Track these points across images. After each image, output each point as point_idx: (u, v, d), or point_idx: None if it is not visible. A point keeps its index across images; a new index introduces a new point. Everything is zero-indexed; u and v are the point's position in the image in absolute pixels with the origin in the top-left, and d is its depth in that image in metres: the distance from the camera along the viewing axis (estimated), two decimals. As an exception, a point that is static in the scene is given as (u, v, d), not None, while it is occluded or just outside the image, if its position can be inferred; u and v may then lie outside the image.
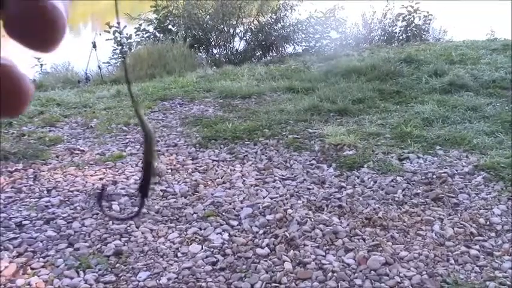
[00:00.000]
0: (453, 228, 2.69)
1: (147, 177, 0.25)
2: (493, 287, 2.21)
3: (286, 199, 3.07)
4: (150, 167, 0.28)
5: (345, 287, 2.24)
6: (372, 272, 2.34)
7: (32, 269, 2.38)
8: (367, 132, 4.17)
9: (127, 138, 4.21)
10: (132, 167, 3.59)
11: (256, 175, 3.44)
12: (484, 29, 9.84)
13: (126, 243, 2.59)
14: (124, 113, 4.94)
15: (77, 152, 3.90)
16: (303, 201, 3.04)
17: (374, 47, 9.18)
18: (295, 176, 3.41)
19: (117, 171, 3.51)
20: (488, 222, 2.76)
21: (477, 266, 2.38)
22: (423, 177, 3.33)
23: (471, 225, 2.72)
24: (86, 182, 3.31)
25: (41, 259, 2.46)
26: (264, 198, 3.10)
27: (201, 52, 10.09)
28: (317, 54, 8.88)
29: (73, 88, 6.81)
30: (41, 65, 8.68)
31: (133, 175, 3.43)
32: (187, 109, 5.14)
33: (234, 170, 3.54)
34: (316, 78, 6.20)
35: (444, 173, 3.36)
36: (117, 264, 2.42)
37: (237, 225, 2.80)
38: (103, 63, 8.55)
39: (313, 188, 3.23)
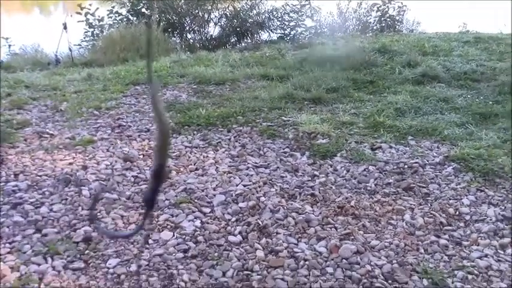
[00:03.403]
0: (423, 218, 2.72)
1: (155, 185, 0.20)
2: (461, 276, 2.25)
3: (259, 187, 3.06)
4: (161, 171, 0.23)
5: (316, 275, 2.24)
6: (344, 260, 2.35)
7: (-2, 255, 2.32)
8: (340, 121, 4.18)
9: (98, 123, 4.13)
10: (103, 151, 3.52)
11: (230, 162, 3.42)
12: (456, 21, 9.97)
13: (95, 229, 2.54)
14: (95, 97, 4.85)
15: (46, 135, 3.80)
16: (276, 189, 3.03)
17: (348, 37, 9.21)
18: (268, 164, 3.40)
19: (88, 156, 3.43)
20: (457, 213, 2.80)
21: (446, 255, 2.42)
22: (395, 167, 3.36)
23: (441, 215, 2.75)
24: (55, 167, 3.24)
25: (7, 245, 2.39)
26: (237, 185, 3.08)
27: (175, 37, 9.97)
28: (292, 42, 8.87)
29: (42, 70, 6.65)
30: (9, 45, 8.44)
31: (104, 160, 3.37)
32: (160, 94, 5.07)
33: (207, 156, 3.51)
34: (291, 66, 6.20)
35: (415, 163, 3.40)
36: (87, 251, 2.37)
37: (210, 212, 2.77)
38: (74, 45, 8.35)
39: (286, 176, 3.23)
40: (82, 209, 2.73)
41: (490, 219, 2.73)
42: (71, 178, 3.06)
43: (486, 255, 2.42)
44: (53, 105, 4.59)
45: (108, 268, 2.26)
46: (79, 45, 8.93)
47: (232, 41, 10.18)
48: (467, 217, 2.76)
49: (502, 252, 2.44)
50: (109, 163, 3.33)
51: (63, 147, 3.57)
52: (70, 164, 3.30)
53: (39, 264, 2.26)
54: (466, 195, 2.98)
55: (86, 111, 4.42)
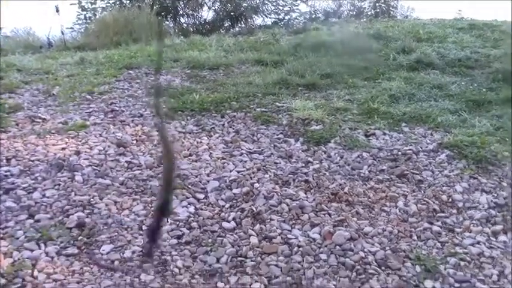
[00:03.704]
0: (417, 205, 2.73)
1: (159, 218, 0.18)
2: (453, 262, 2.26)
3: (253, 173, 3.06)
4: (166, 207, 0.20)
5: (310, 262, 2.25)
6: (337, 247, 2.36)
7: (-10, 240, 2.31)
8: (334, 107, 4.17)
9: (91, 107, 4.10)
10: (96, 137, 3.50)
11: (223, 148, 3.41)
12: (451, 8, 9.95)
13: (89, 215, 2.53)
14: (88, 81, 4.81)
15: (38, 120, 3.77)
16: (269, 176, 3.03)
17: (343, 22, 9.17)
18: (262, 150, 3.39)
19: (80, 141, 3.41)
20: (450, 200, 2.81)
21: (439, 242, 2.43)
22: (389, 154, 3.36)
23: (434, 202, 2.76)
24: (48, 152, 3.21)
25: (0, 230, 2.38)
26: (230, 171, 3.07)
27: (168, 21, 9.87)
28: (286, 27, 8.82)
29: (34, 53, 6.58)
30: (1, 28, 8.34)
31: (97, 145, 3.35)
32: (153, 79, 5.03)
33: (201, 142, 3.49)
34: (285, 51, 6.17)
35: (409, 150, 3.40)
36: (80, 237, 2.37)
37: (203, 198, 2.77)
38: (66, 28, 8.27)
39: (280, 162, 3.22)
40: (75, 195, 2.72)
41: (483, 207, 2.74)
42: (64, 163, 3.04)
43: (478, 242, 2.43)
44: (45, 89, 4.55)
45: (102, 254, 2.25)
46: (71, 28, 8.84)
47: (226, 25, 10.11)
48: (460, 204, 2.77)
49: (494, 239, 2.46)
50: (102, 148, 3.31)
51: (55, 132, 3.54)
52: (63, 149, 3.27)
53: (32, 250, 2.25)
54: (459, 182, 3.00)
55: (78, 95, 4.38)
